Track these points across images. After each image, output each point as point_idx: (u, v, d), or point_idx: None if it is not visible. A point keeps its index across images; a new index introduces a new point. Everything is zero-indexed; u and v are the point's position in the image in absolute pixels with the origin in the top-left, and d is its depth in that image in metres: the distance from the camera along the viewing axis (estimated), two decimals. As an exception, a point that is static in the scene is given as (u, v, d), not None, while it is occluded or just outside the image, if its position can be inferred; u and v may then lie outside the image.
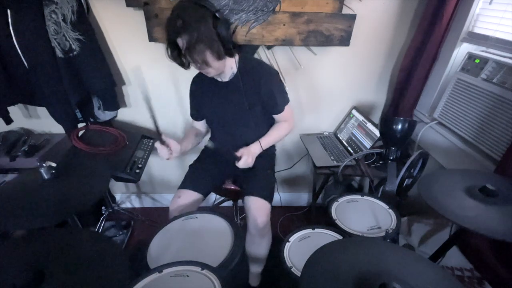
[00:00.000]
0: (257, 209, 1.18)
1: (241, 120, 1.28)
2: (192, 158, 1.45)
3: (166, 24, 1.03)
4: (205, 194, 1.30)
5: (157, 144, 1.14)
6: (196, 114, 1.38)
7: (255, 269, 1.41)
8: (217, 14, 1.01)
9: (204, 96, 1.29)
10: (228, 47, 1.07)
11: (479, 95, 1.22)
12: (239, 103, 1.24)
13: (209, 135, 1.48)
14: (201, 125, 1.43)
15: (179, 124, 1.74)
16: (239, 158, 1.19)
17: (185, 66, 1.15)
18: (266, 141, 1.29)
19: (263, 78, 1.21)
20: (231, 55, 1.13)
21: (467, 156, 1.26)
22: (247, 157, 1.19)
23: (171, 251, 0.89)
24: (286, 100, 1.31)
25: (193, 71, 1.31)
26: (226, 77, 1.22)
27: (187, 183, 1.28)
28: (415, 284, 0.57)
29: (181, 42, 1.02)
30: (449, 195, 0.88)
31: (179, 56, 1.10)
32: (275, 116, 1.32)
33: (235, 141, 1.31)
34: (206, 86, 1.27)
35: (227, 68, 1.19)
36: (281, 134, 1.33)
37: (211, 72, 1.13)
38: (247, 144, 1.29)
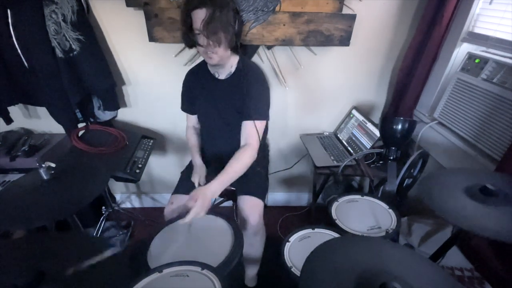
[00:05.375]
0: (250, 207, 1.18)
1: (228, 120, 1.28)
2: (187, 161, 1.46)
3: None
4: None
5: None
6: (188, 107, 1.38)
7: (251, 271, 1.41)
8: (237, 8, 1.06)
9: (198, 91, 1.29)
10: (237, 42, 1.10)
11: (479, 95, 1.22)
12: (231, 103, 1.24)
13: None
14: (196, 119, 1.43)
15: (179, 124, 1.74)
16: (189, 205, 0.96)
17: (188, 44, 1.14)
18: (225, 178, 1.06)
19: (252, 83, 1.21)
20: (236, 53, 1.14)
21: (467, 156, 1.26)
22: (199, 203, 0.94)
23: (171, 251, 0.89)
24: (261, 114, 1.19)
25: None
26: (223, 75, 1.22)
27: (179, 188, 1.29)
28: (415, 284, 0.57)
29: (200, 14, 1.00)
30: (449, 196, 0.88)
31: (188, 31, 1.08)
32: (242, 125, 1.19)
33: (224, 140, 1.32)
34: (201, 81, 1.27)
35: (228, 64, 1.19)
36: (242, 165, 1.12)
37: (214, 58, 1.10)
38: (235, 145, 1.22)
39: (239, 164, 1.12)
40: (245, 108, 1.19)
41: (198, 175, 1.24)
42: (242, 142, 1.20)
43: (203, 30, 1.02)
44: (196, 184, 1.22)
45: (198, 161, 1.32)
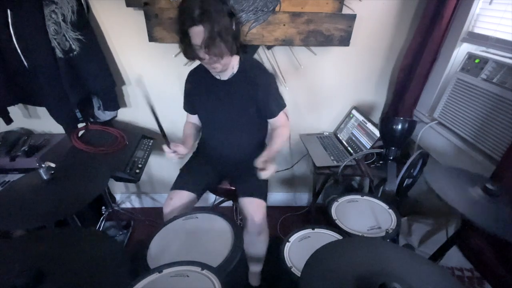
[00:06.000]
0: (253, 209, 1.19)
1: (234, 120, 1.27)
2: (186, 159, 1.45)
3: (181, 12, 0.99)
4: (199, 194, 1.29)
5: (165, 148, 1.15)
6: (190, 108, 1.37)
7: (255, 268, 1.41)
8: (232, 10, 1.02)
9: (200, 92, 1.28)
10: (237, 44, 1.08)
11: (479, 95, 1.22)
12: (234, 103, 1.24)
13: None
14: (196, 118, 1.41)
15: (180, 124, 1.73)
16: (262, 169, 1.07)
17: (190, 58, 1.11)
18: (275, 149, 1.19)
19: (260, 81, 1.20)
20: (237, 53, 1.13)
21: (467, 156, 1.26)
22: (271, 161, 1.08)
23: (171, 251, 0.88)
24: (281, 105, 1.27)
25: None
26: (225, 76, 1.22)
27: (178, 184, 1.28)
28: (415, 284, 0.57)
29: (198, 32, 0.98)
30: (454, 189, 0.88)
31: (187, 46, 1.06)
32: (270, 121, 1.29)
33: (226, 141, 1.32)
34: (203, 82, 1.26)
35: (230, 66, 1.19)
36: (283, 140, 1.25)
37: (217, 68, 1.11)
38: (233, 148, 1.30)
39: (281, 138, 1.23)
40: (267, 108, 1.24)
41: (182, 150, 1.17)
42: (273, 127, 1.29)
43: (203, 47, 1.01)
44: (169, 148, 1.15)
45: (188, 146, 1.26)
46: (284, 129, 1.27)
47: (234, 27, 1.04)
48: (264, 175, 1.06)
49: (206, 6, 0.95)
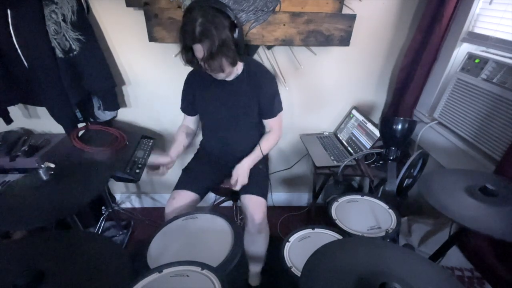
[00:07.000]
0: (254, 206, 1.20)
1: (235, 121, 1.29)
2: (188, 159, 1.46)
3: (183, 28, 0.99)
4: (202, 194, 1.29)
5: (150, 173, 1.22)
6: (189, 108, 1.37)
7: (255, 268, 1.41)
8: (235, 21, 1.01)
9: (202, 92, 1.28)
10: (241, 51, 1.08)
11: (479, 95, 1.22)
12: (238, 103, 1.24)
13: (201, 134, 1.49)
14: (192, 121, 1.41)
15: (179, 124, 1.74)
16: (235, 183, 1.20)
17: (195, 66, 1.13)
18: (256, 155, 1.29)
19: (264, 82, 1.23)
20: (241, 60, 1.14)
21: (467, 156, 1.26)
22: (242, 178, 1.21)
23: (171, 251, 0.89)
24: (280, 107, 1.33)
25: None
26: (230, 77, 1.23)
27: (181, 183, 1.29)
28: (415, 284, 0.57)
29: (199, 49, 1.00)
30: (449, 194, 0.88)
31: (192, 58, 1.08)
32: (266, 121, 1.33)
33: (227, 140, 1.33)
34: (205, 82, 1.26)
35: (233, 71, 1.20)
36: (270, 146, 1.34)
37: (221, 76, 1.14)
38: (235, 147, 1.31)
39: (267, 144, 1.32)
40: (267, 109, 1.29)
41: (164, 160, 1.22)
42: (267, 130, 1.37)
43: (204, 65, 1.03)
44: (154, 161, 1.22)
45: (173, 154, 1.27)
46: (273, 135, 1.34)
47: (237, 35, 1.03)
48: (236, 187, 1.20)
49: (207, 25, 0.95)
